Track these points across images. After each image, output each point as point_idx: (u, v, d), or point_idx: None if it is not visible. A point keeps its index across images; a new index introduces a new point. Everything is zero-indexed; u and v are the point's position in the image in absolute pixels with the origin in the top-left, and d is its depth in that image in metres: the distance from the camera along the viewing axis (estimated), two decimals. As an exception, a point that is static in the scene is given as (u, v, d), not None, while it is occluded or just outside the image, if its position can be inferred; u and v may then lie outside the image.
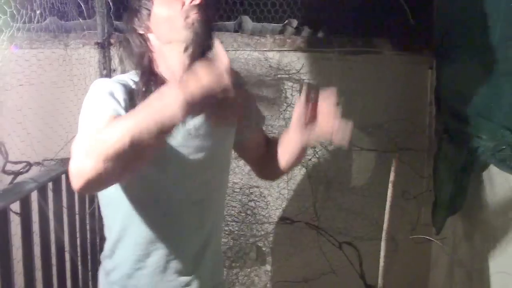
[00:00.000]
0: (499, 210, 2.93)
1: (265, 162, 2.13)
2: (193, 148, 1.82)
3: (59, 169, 2.60)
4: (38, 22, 2.54)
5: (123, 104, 1.63)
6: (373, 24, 3.77)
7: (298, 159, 2.02)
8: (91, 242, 3.01)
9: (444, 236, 3.51)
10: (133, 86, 1.73)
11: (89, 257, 2.99)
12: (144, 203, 1.79)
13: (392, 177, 3.16)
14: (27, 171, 2.42)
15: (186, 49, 1.71)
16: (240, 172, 3.57)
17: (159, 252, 1.83)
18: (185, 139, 1.79)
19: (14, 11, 2.18)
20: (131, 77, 1.78)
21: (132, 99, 1.68)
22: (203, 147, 1.84)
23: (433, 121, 3.66)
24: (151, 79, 1.74)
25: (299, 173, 3.68)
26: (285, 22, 3.66)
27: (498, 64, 2.53)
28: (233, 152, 2.13)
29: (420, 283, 3.89)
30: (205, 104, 1.35)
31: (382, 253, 3.21)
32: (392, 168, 3.17)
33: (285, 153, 2.02)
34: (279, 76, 3.57)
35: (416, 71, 3.66)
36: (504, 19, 2.45)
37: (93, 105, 1.63)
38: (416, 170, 3.69)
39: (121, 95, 1.66)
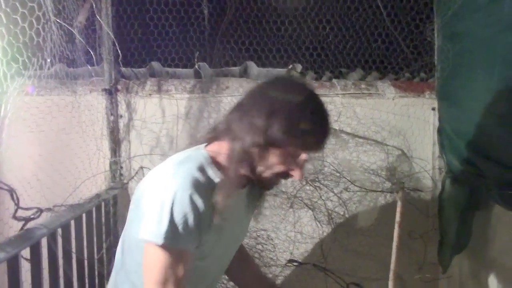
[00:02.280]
0: (504, 249, 2.94)
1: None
2: (238, 233, 2.15)
3: (69, 214, 2.63)
4: (48, 69, 2.58)
5: (203, 217, 1.78)
6: (376, 67, 3.84)
7: None
8: None
9: (451, 275, 3.52)
10: (207, 183, 1.83)
11: (98, 302, 3.00)
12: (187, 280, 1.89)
13: (398, 217, 3.18)
14: (37, 217, 2.45)
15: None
16: (247, 215, 3.59)
17: None
18: (232, 229, 2.03)
19: (26, 60, 2.23)
20: (208, 172, 1.86)
21: (211, 198, 1.81)
22: (242, 232, 2.26)
23: (437, 161, 3.69)
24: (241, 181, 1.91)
25: (305, 215, 3.69)
26: (289, 67, 3.71)
27: (497, 105, 2.56)
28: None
29: (429, 323, 3.87)
30: None
31: (390, 293, 3.22)
32: (398, 208, 3.19)
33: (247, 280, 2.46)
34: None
35: (419, 113, 3.70)
36: (502, 62, 2.49)
37: (169, 236, 1.73)
38: (421, 209, 3.70)
39: (202, 208, 1.77)
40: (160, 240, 1.70)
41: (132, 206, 2.00)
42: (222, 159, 1.88)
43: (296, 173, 1.87)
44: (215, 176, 1.84)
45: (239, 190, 1.96)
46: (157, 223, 1.71)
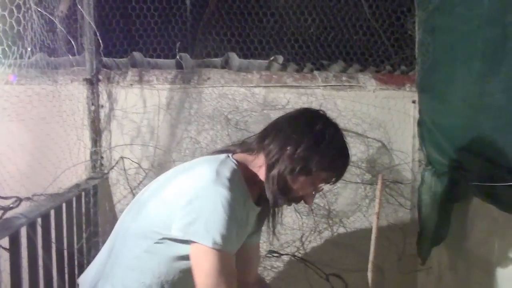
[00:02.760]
0: (482, 240, 2.96)
1: None
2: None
3: (48, 204, 2.62)
4: (28, 58, 2.57)
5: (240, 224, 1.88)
6: (357, 59, 3.85)
7: None
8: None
9: (430, 266, 3.55)
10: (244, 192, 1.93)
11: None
12: None
13: (376, 208, 3.19)
14: (16, 206, 2.43)
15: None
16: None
17: None
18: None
19: (6, 48, 2.21)
20: (241, 182, 1.93)
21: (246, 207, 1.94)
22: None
23: (417, 153, 3.71)
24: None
25: (285, 206, 3.69)
26: (271, 59, 3.72)
27: (476, 98, 2.58)
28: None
29: (408, 313, 3.90)
30: None
31: (369, 284, 3.23)
32: (377, 200, 3.20)
33: None
34: (265, 111, 3.61)
35: (399, 105, 3.72)
36: (481, 57, 2.50)
37: (219, 238, 1.76)
38: (401, 202, 3.73)
39: (241, 215, 1.87)
40: (216, 245, 1.74)
41: (138, 201, 2.03)
42: (248, 170, 1.98)
43: (309, 201, 2.02)
44: (244, 186, 1.93)
45: (255, 205, 2.04)
46: (219, 230, 1.75)
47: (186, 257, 1.85)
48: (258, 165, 1.97)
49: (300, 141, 1.89)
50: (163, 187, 1.95)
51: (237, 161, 1.95)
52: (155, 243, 1.86)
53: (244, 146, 2.07)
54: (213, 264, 1.75)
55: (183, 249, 1.84)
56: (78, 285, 2.13)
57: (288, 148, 1.90)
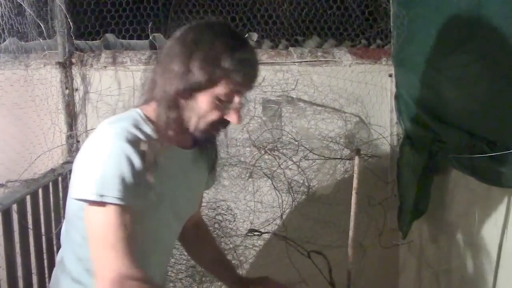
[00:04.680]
0: (462, 212, 2.97)
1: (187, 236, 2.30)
2: (188, 197, 2.05)
3: (24, 190, 2.59)
4: (-2, 43, 2.53)
5: (138, 171, 1.66)
6: (332, 34, 3.83)
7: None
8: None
9: (411, 240, 3.56)
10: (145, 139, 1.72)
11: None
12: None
13: (355, 183, 3.19)
14: (-10, 193, 2.41)
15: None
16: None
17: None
18: (179, 192, 1.94)
19: (-26, 33, 2.18)
20: (144, 130, 1.75)
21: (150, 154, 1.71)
22: (193, 197, 2.15)
23: (395, 127, 3.71)
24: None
25: (264, 184, 3.69)
26: (245, 36, 3.68)
27: (452, 69, 2.57)
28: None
29: (390, 287, 3.92)
30: None
31: (350, 260, 3.23)
32: (355, 175, 3.20)
33: (206, 262, 2.43)
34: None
35: (376, 79, 3.71)
36: (455, 26, 2.49)
37: (111, 189, 1.61)
38: (380, 176, 3.73)
39: (138, 162, 1.66)
40: (97, 196, 1.59)
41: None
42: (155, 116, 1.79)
43: (232, 118, 1.79)
44: (152, 133, 1.75)
45: (182, 149, 1.90)
46: (94, 179, 1.60)
47: None
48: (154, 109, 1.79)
49: (175, 58, 1.71)
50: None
51: (146, 109, 1.80)
52: (81, 220, 1.72)
53: (144, 94, 1.89)
54: (100, 219, 1.62)
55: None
56: None
57: (167, 72, 1.72)
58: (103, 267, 1.61)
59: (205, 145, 1.98)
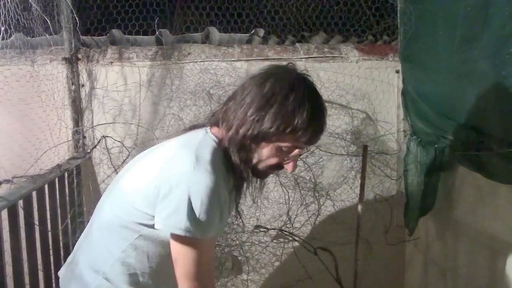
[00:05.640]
0: (469, 209, 2.96)
1: None
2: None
3: (30, 186, 2.58)
4: (3, 39, 2.52)
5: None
6: (339, 30, 3.82)
7: None
8: (65, 260, 2.99)
9: (417, 237, 3.55)
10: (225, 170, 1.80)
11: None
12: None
13: (361, 180, 3.18)
14: (-4, 189, 2.41)
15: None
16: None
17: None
18: None
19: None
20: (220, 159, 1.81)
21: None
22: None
23: (402, 123, 3.70)
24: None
25: (271, 180, 3.68)
26: (252, 32, 3.68)
27: (459, 66, 2.55)
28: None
29: (396, 284, 3.91)
30: None
31: (356, 256, 3.23)
32: (361, 171, 3.19)
33: None
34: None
35: (383, 75, 3.70)
36: (463, 23, 2.48)
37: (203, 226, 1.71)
38: (386, 172, 3.72)
39: (226, 197, 1.79)
40: (195, 236, 1.69)
41: (117, 185, 1.94)
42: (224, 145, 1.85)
43: (289, 167, 1.87)
44: (224, 164, 1.81)
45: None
46: (193, 219, 1.68)
47: (166, 245, 1.79)
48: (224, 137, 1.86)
49: (251, 104, 1.76)
50: (139, 172, 1.88)
51: (215, 135, 1.84)
52: (138, 235, 1.82)
53: (213, 118, 1.93)
54: (192, 255, 1.73)
55: (164, 237, 1.80)
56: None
57: (240, 113, 1.77)
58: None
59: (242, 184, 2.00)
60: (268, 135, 1.74)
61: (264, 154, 1.81)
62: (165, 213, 1.70)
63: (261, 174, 1.91)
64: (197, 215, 1.67)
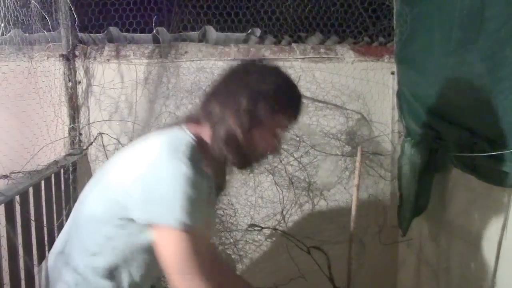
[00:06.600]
0: (462, 210, 2.98)
1: None
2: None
3: (27, 182, 2.59)
4: (2, 35, 2.53)
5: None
6: (335, 31, 3.83)
7: None
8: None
9: (410, 238, 3.57)
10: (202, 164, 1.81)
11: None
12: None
13: (356, 180, 3.20)
14: (-7, 184, 2.42)
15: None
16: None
17: None
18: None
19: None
20: (198, 154, 1.82)
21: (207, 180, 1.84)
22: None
23: (396, 124, 3.72)
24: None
25: (265, 180, 3.71)
26: (248, 31, 3.70)
27: (454, 69, 2.58)
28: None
29: (389, 283, 3.93)
30: None
31: (349, 256, 3.25)
32: (356, 171, 3.21)
33: None
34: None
35: (378, 77, 3.72)
36: (459, 26, 2.50)
37: (187, 218, 1.68)
38: (380, 173, 3.74)
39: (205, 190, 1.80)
40: (182, 225, 1.65)
41: (96, 182, 1.95)
42: (203, 142, 1.89)
43: (275, 150, 1.98)
44: (202, 158, 1.82)
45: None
46: (176, 206, 1.65)
47: (150, 242, 1.78)
48: (208, 134, 1.89)
49: (240, 94, 1.85)
50: (120, 167, 1.87)
51: (192, 133, 1.86)
52: (115, 227, 1.80)
53: (191, 117, 1.99)
54: (182, 247, 1.67)
55: (144, 230, 1.78)
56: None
57: (229, 106, 1.85)
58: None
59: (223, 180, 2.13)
60: (262, 121, 1.86)
61: (255, 141, 1.89)
62: (143, 199, 1.71)
63: (250, 164, 1.99)
64: (179, 202, 1.64)
